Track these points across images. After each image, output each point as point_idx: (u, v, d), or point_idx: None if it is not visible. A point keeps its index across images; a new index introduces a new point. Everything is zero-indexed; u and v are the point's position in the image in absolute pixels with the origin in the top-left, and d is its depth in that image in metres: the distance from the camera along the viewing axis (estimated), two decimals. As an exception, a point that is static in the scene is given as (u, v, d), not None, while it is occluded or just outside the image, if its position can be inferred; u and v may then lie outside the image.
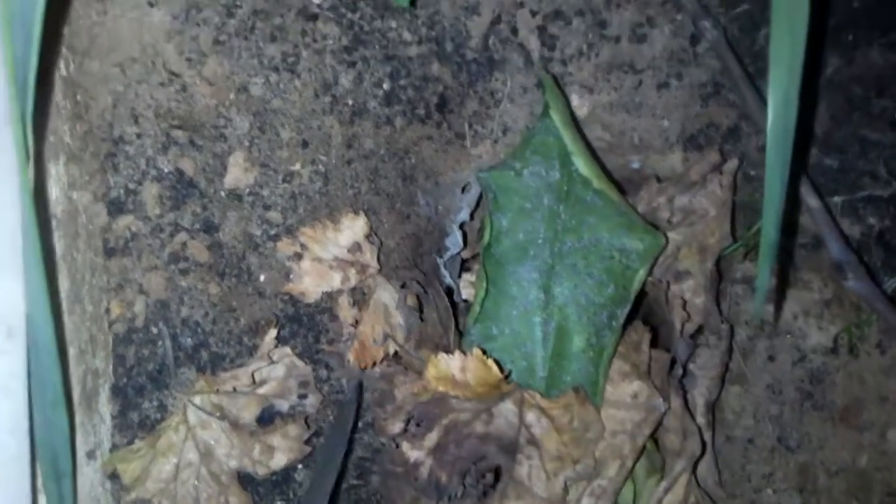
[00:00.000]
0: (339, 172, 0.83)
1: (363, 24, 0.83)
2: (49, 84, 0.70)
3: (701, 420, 0.89)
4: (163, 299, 0.79)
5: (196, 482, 0.77)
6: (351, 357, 0.81)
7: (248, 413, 0.80)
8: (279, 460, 0.80)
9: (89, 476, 0.75)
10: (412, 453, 0.79)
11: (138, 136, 0.78)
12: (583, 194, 0.81)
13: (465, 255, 0.89)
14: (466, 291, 0.88)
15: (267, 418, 0.81)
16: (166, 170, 0.79)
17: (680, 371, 0.87)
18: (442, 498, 0.78)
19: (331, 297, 0.82)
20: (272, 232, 0.82)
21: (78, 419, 0.73)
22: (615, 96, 0.89)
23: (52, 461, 0.61)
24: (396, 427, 0.80)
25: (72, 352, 0.72)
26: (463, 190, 0.87)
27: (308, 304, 0.82)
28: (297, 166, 0.82)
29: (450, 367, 0.78)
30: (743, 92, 0.86)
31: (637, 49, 0.88)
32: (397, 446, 0.79)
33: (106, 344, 0.77)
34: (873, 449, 0.93)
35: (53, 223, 0.70)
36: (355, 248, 0.82)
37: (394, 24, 0.84)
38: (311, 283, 0.81)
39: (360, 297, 0.83)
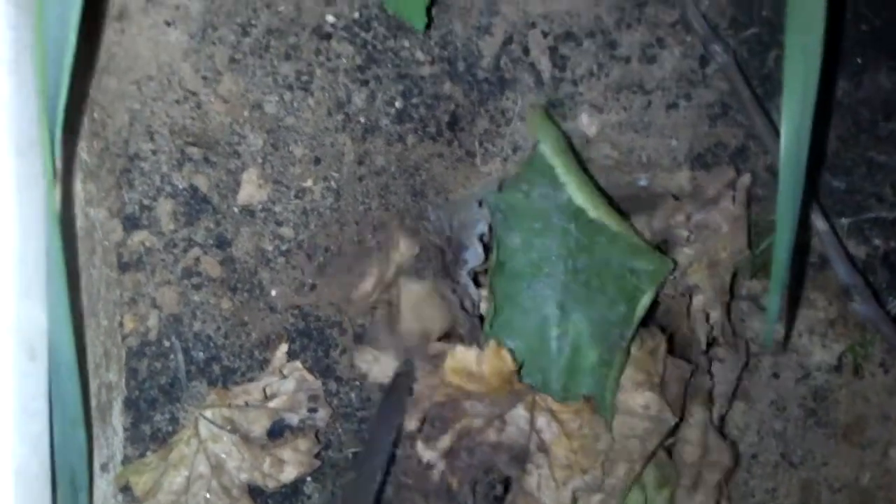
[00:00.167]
0: (350, 189, 0.84)
1: (376, 43, 0.84)
2: (74, 108, 0.71)
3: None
4: (175, 313, 0.80)
5: (207, 495, 0.78)
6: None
7: (259, 426, 0.81)
8: (289, 474, 0.81)
9: (102, 488, 0.76)
10: (426, 454, 0.79)
11: (154, 152, 0.79)
12: (589, 217, 0.82)
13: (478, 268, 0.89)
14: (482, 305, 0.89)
15: (277, 432, 0.82)
16: (181, 186, 0.80)
17: (710, 383, 0.87)
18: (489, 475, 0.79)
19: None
20: (284, 247, 0.83)
21: (93, 432, 0.74)
22: (624, 116, 0.90)
23: (69, 477, 0.62)
24: (412, 424, 0.80)
25: (88, 366, 0.73)
26: (480, 204, 0.88)
27: (318, 317, 0.83)
28: (310, 182, 0.83)
29: (466, 359, 0.79)
30: (751, 114, 0.87)
31: (647, 70, 0.89)
32: (412, 446, 0.80)
33: (119, 357, 0.78)
34: (876, 466, 0.94)
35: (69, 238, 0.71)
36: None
37: (407, 44, 0.85)
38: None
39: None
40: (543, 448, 0.80)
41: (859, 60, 0.92)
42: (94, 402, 0.75)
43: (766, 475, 0.94)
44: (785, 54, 0.62)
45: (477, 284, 0.90)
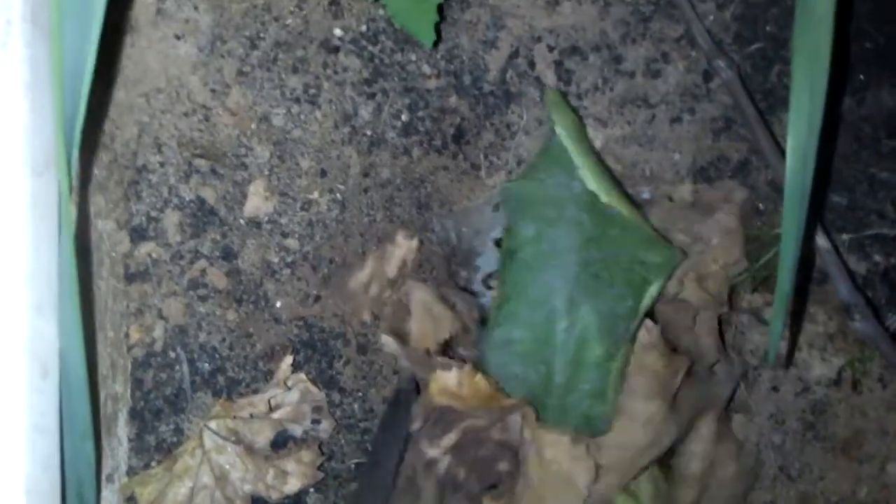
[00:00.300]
0: (355, 200, 0.85)
1: (383, 56, 0.84)
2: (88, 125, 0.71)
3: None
4: (181, 324, 0.81)
5: (211, 506, 0.79)
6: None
7: (263, 438, 0.81)
8: (292, 485, 0.81)
9: (108, 499, 0.77)
10: (430, 451, 0.80)
11: (161, 164, 0.80)
12: (604, 207, 0.82)
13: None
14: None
15: (281, 443, 0.82)
16: (188, 198, 0.80)
17: (725, 395, 0.88)
18: (457, 492, 0.80)
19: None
20: (289, 259, 0.83)
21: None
22: (628, 130, 0.90)
23: (77, 490, 0.63)
24: (417, 422, 0.81)
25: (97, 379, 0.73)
26: (495, 208, 0.88)
27: (322, 329, 0.84)
28: (316, 195, 0.84)
29: (447, 382, 0.79)
30: (754, 128, 0.88)
31: (651, 84, 0.90)
32: (416, 443, 0.80)
33: (125, 368, 0.79)
34: (873, 481, 0.95)
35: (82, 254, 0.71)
36: (403, 265, 0.83)
37: (413, 58, 0.85)
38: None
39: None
40: (525, 462, 0.80)
41: (862, 77, 0.93)
42: (101, 414, 0.75)
43: (765, 488, 0.94)
44: (792, 75, 0.63)
45: (489, 289, 0.91)
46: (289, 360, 0.82)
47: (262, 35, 0.81)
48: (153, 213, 0.80)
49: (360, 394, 0.85)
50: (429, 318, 0.83)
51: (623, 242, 0.82)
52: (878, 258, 0.94)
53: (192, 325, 0.81)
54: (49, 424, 0.60)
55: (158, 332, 0.80)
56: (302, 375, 0.83)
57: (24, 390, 0.58)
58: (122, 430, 0.79)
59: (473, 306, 0.86)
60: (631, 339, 0.82)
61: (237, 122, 0.81)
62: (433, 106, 0.86)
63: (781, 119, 0.91)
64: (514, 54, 0.87)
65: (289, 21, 0.82)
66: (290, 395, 0.82)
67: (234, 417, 0.80)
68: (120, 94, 0.78)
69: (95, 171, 0.76)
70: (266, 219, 0.82)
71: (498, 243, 0.87)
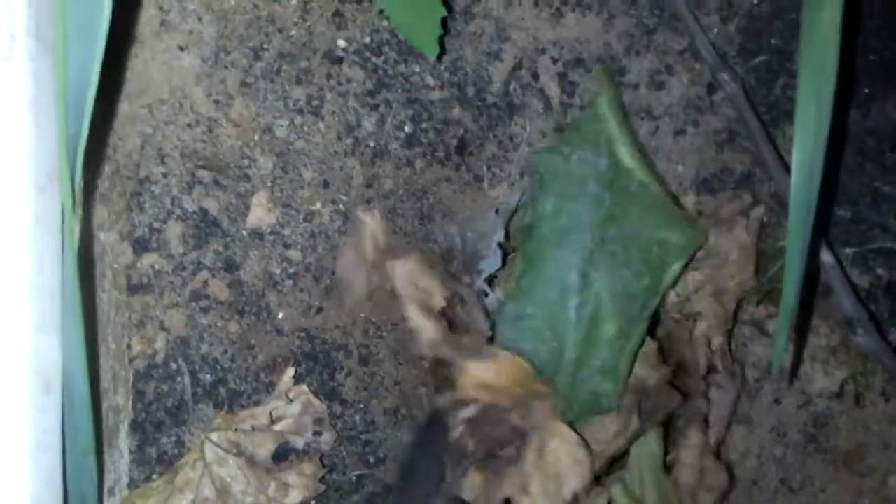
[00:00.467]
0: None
1: (387, 68, 0.84)
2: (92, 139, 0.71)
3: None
4: (183, 336, 0.80)
5: (212, 518, 0.78)
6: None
7: (264, 450, 0.81)
8: (294, 498, 0.81)
9: (109, 512, 0.77)
10: (449, 418, 0.80)
11: (164, 175, 0.79)
12: (628, 185, 0.82)
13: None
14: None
15: (282, 455, 0.82)
16: (190, 209, 0.80)
17: (706, 408, 0.88)
18: (462, 461, 0.79)
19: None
20: (291, 270, 0.83)
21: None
22: (632, 142, 0.90)
23: (79, 505, 0.63)
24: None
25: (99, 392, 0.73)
26: (497, 211, 0.88)
27: (324, 340, 0.83)
28: (318, 206, 0.83)
29: (482, 372, 0.79)
30: (758, 141, 0.88)
31: (655, 96, 0.90)
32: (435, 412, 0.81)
33: (126, 380, 0.78)
34: (874, 494, 0.95)
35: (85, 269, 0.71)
36: (377, 240, 0.83)
37: (417, 69, 0.85)
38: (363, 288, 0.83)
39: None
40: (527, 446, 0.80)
41: (867, 90, 0.93)
42: (101, 426, 0.75)
43: (766, 500, 0.94)
44: (798, 89, 0.63)
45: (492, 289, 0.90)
46: (290, 371, 0.82)
47: (265, 46, 0.81)
48: (156, 225, 0.79)
49: (362, 405, 0.85)
50: (419, 293, 0.83)
51: (644, 221, 0.82)
52: (881, 272, 0.94)
53: (193, 337, 0.81)
54: (52, 441, 0.59)
55: (160, 343, 0.80)
56: (303, 387, 0.82)
57: (27, 408, 0.58)
58: (123, 443, 0.79)
59: (481, 309, 0.86)
60: (648, 319, 0.82)
61: (240, 134, 0.81)
62: (436, 117, 0.86)
63: (785, 132, 0.91)
64: (518, 66, 0.87)
65: (292, 32, 0.82)
66: (291, 407, 0.82)
67: (236, 430, 0.79)
68: (123, 106, 0.78)
69: (98, 182, 0.76)
70: (269, 230, 0.82)
71: (501, 246, 0.87)
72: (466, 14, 0.86)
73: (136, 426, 0.79)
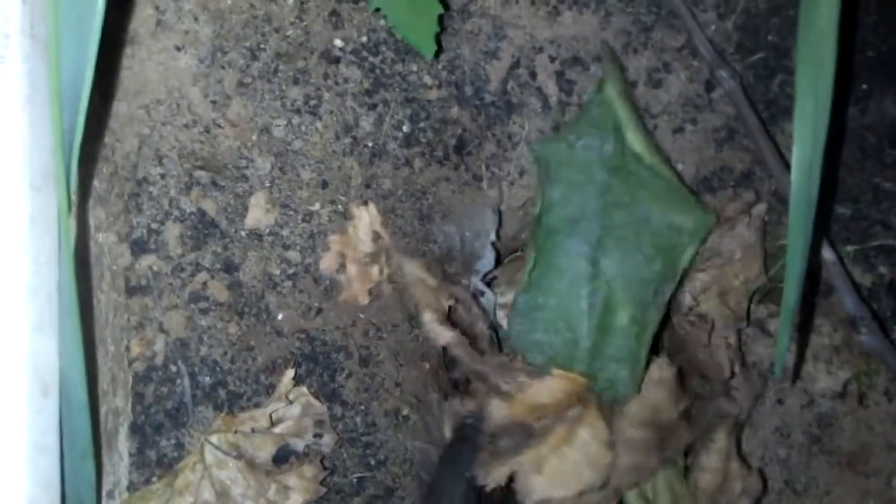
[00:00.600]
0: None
1: (384, 67, 0.84)
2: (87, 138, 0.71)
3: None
4: (182, 338, 0.80)
5: (212, 521, 0.78)
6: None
7: (265, 452, 0.80)
8: (294, 501, 0.80)
9: (108, 515, 0.76)
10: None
11: (162, 176, 0.79)
12: (635, 169, 0.82)
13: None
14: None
15: (282, 458, 0.81)
16: (188, 210, 0.80)
17: (736, 411, 0.88)
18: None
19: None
20: (290, 271, 0.82)
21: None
22: (631, 140, 0.90)
23: (77, 509, 0.62)
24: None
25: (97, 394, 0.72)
26: (493, 210, 0.88)
27: (324, 342, 0.83)
28: (317, 206, 0.83)
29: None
30: (757, 139, 0.87)
31: (653, 94, 0.89)
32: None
33: (126, 382, 0.78)
34: (879, 496, 0.94)
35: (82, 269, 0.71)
36: (376, 236, 0.83)
37: (414, 68, 0.85)
38: (359, 286, 0.82)
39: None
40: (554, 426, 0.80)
41: (865, 86, 0.93)
42: (101, 430, 0.74)
43: (770, 502, 0.94)
44: (796, 86, 0.62)
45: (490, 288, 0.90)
46: (290, 373, 0.81)
47: (262, 46, 0.81)
48: (154, 226, 0.79)
49: (363, 407, 0.84)
50: (429, 293, 0.83)
51: (653, 206, 0.82)
52: (883, 270, 0.93)
53: (193, 339, 0.80)
54: (49, 443, 0.59)
55: (159, 345, 0.79)
56: (304, 389, 0.82)
57: (25, 409, 0.57)
58: (122, 445, 0.78)
59: (480, 312, 0.86)
60: (665, 303, 0.82)
61: (238, 134, 0.80)
62: (434, 117, 0.85)
63: (784, 129, 0.91)
64: (516, 65, 0.87)
65: (289, 32, 0.82)
66: (291, 409, 0.82)
67: (236, 432, 0.79)
68: (120, 106, 0.77)
69: (96, 183, 0.76)
70: (267, 231, 0.82)
71: (495, 246, 0.87)
72: (463, 13, 0.86)
73: (135, 429, 0.79)
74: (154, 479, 0.79)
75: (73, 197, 0.52)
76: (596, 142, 0.81)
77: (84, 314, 0.58)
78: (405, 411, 0.85)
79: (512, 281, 0.87)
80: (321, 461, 0.82)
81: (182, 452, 0.80)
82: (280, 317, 0.82)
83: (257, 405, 0.81)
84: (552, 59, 0.87)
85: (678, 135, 0.90)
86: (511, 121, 0.87)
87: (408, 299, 0.84)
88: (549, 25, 0.87)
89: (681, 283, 0.86)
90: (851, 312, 0.85)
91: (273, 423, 0.81)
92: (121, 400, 0.78)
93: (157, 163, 0.79)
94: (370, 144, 0.84)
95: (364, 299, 0.83)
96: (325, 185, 0.83)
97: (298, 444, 0.82)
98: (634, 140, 0.81)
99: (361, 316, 0.84)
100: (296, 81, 0.82)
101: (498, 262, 0.88)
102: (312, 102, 0.82)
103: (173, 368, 0.80)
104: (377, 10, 0.81)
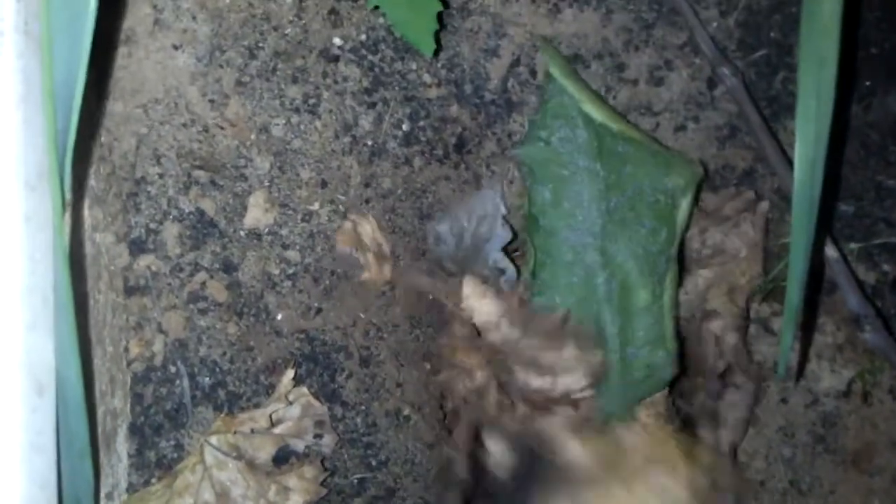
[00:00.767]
0: (356, 211, 0.84)
1: (384, 65, 0.84)
2: (82, 137, 0.71)
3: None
4: (181, 338, 0.80)
5: (212, 523, 0.77)
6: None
7: (265, 453, 0.80)
8: (295, 502, 0.80)
9: (107, 517, 0.76)
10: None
11: (160, 176, 0.79)
12: (613, 146, 0.81)
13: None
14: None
15: (283, 458, 0.81)
16: (187, 210, 0.79)
17: (713, 407, 0.87)
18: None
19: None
20: (290, 271, 0.82)
21: (99, 461, 0.73)
22: (632, 138, 0.89)
23: (75, 510, 0.62)
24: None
25: (94, 395, 0.72)
26: (494, 190, 0.87)
27: (324, 342, 0.83)
28: (316, 206, 0.83)
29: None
30: (760, 136, 0.87)
31: (655, 92, 0.89)
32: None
33: (124, 383, 0.78)
34: (885, 494, 0.94)
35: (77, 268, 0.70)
36: (377, 245, 0.83)
37: (414, 66, 0.84)
38: (377, 268, 0.83)
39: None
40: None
41: (868, 83, 0.92)
42: (99, 430, 0.74)
43: (775, 502, 0.93)
44: (799, 83, 0.62)
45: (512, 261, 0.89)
46: (290, 373, 0.81)
47: (260, 45, 0.80)
48: (152, 226, 0.79)
49: (363, 407, 0.84)
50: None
51: (641, 177, 0.82)
52: (886, 267, 0.93)
53: (192, 339, 0.80)
54: (45, 443, 0.59)
55: (158, 346, 0.79)
56: (304, 389, 0.82)
57: (20, 409, 0.57)
58: (121, 446, 0.78)
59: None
60: (675, 264, 0.82)
61: (236, 133, 0.80)
62: (434, 115, 0.85)
63: (787, 126, 0.90)
64: (516, 63, 0.86)
65: (288, 30, 0.81)
66: (291, 409, 0.81)
67: (235, 433, 0.79)
68: (118, 106, 0.77)
69: (93, 183, 0.75)
70: (266, 230, 0.81)
71: (506, 219, 0.86)
72: (463, 11, 0.85)
73: (134, 430, 0.78)
74: (153, 480, 0.78)
75: (68, 196, 0.51)
76: (569, 132, 0.81)
77: (80, 313, 0.58)
78: (406, 412, 0.85)
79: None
80: (322, 462, 0.82)
81: (181, 453, 0.79)
82: (279, 317, 0.82)
83: (257, 406, 0.81)
84: (553, 57, 0.87)
85: (680, 133, 0.90)
86: (511, 119, 0.87)
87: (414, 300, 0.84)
88: (550, 23, 0.87)
89: (683, 282, 0.86)
90: (855, 310, 0.84)
91: (273, 424, 0.80)
92: (119, 401, 0.77)
93: (155, 162, 0.78)
94: (370, 143, 0.84)
95: (383, 284, 0.83)
96: (324, 184, 0.83)
97: (299, 445, 0.81)
98: (594, 112, 0.81)
99: (362, 316, 0.84)
100: (295, 80, 0.81)
101: (515, 235, 0.87)
102: (311, 101, 0.82)
103: (172, 369, 0.79)
104: (376, 7, 0.80)
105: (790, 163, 0.81)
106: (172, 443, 0.80)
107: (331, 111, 0.82)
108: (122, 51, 0.76)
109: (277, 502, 0.79)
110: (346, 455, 0.83)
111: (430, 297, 0.86)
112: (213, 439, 0.78)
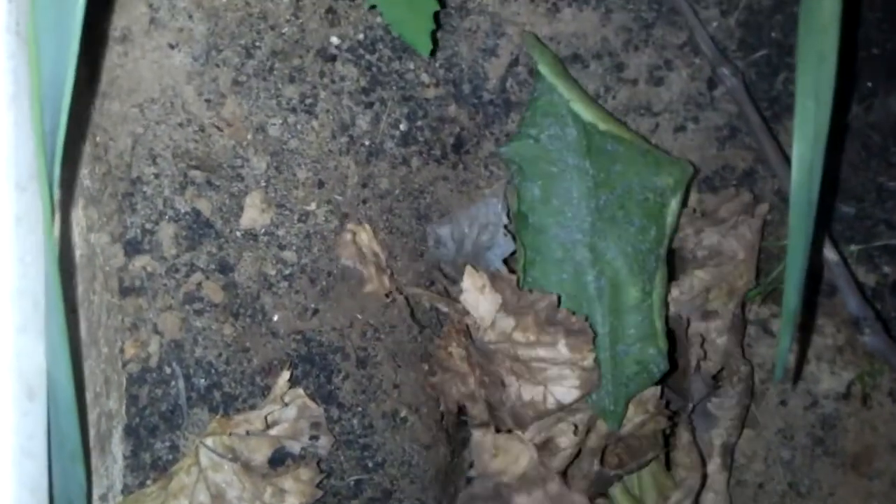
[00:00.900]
0: (354, 212, 0.83)
1: (381, 65, 0.83)
2: (75, 135, 0.70)
3: (717, 461, 0.89)
4: (177, 339, 0.79)
5: (207, 525, 0.77)
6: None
7: (260, 455, 0.80)
8: None
9: (101, 519, 0.75)
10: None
11: (156, 176, 0.78)
12: (602, 144, 0.81)
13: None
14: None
15: (278, 460, 0.80)
16: (183, 210, 0.79)
17: (690, 407, 0.87)
18: None
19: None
20: (286, 272, 0.82)
21: (92, 463, 0.73)
22: (632, 139, 0.89)
23: (67, 513, 0.61)
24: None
25: (88, 396, 0.72)
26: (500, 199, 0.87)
27: (320, 343, 0.82)
28: (313, 206, 0.82)
29: None
30: (760, 137, 0.86)
31: (654, 92, 0.88)
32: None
33: (119, 384, 0.77)
34: (884, 497, 0.93)
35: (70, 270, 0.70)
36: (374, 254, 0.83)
37: (412, 66, 0.84)
38: (379, 281, 0.83)
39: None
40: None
41: (869, 84, 0.92)
42: (92, 432, 0.74)
43: (773, 504, 0.93)
44: (797, 83, 0.61)
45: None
46: (286, 375, 0.80)
47: (257, 44, 0.80)
48: (148, 226, 0.78)
49: (360, 409, 0.83)
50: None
51: (630, 175, 0.82)
52: (887, 270, 0.92)
53: (187, 340, 0.79)
54: (36, 447, 0.58)
55: (153, 347, 0.79)
56: (300, 391, 0.81)
57: (11, 413, 0.57)
58: (116, 448, 0.77)
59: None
60: (664, 262, 0.82)
61: (233, 133, 0.79)
62: (432, 115, 0.85)
63: (787, 127, 0.90)
64: (514, 62, 0.86)
65: (285, 30, 0.81)
66: (287, 411, 0.81)
67: (231, 434, 0.78)
68: (113, 105, 0.77)
69: (88, 183, 0.75)
70: (263, 231, 0.81)
71: (508, 228, 0.86)
72: (461, 10, 0.85)
73: (129, 431, 0.78)
74: (148, 482, 0.78)
75: (57, 196, 0.51)
76: (558, 130, 0.81)
77: (72, 315, 0.57)
78: (403, 413, 0.84)
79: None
80: (318, 464, 0.81)
81: (177, 455, 0.79)
82: (276, 318, 0.82)
83: (253, 407, 0.80)
84: (551, 57, 0.86)
85: (680, 133, 0.89)
86: (510, 119, 0.86)
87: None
88: (549, 22, 0.86)
89: (679, 282, 0.86)
90: (855, 313, 0.84)
91: (269, 426, 0.80)
92: (114, 402, 0.77)
93: (151, 162, 0.78)
94: (367, 143, 0.83)
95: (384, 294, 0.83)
96: (321, 184, 0.82)
97: (294, 447, 0.81)
98: (583, 111, 0.81)
99: (359, 317, 0.83)
100: (291, 80, 0.81)
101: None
102: (308, 101, 0.82)
103: (168, 370, 0.79)
104: (373, 7, 0.80)
105: (790, 164, 0.80)
106: (168, 444, 0.79)
107: (328, 111, 0.82)
108: (117, 50, 0.76)
109: (273, 504, 0.79)
110: (342, 457, 0.83)
111: (429, 305, 0.86)
112: (209, 441, 0.78)
